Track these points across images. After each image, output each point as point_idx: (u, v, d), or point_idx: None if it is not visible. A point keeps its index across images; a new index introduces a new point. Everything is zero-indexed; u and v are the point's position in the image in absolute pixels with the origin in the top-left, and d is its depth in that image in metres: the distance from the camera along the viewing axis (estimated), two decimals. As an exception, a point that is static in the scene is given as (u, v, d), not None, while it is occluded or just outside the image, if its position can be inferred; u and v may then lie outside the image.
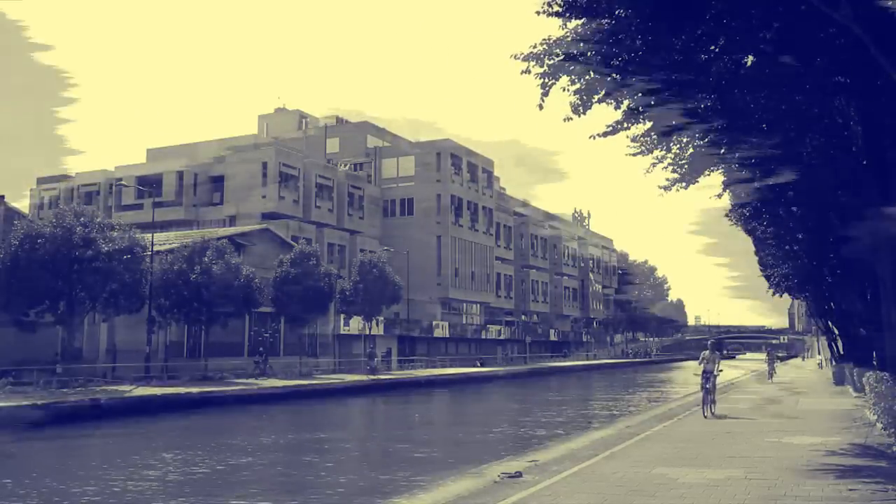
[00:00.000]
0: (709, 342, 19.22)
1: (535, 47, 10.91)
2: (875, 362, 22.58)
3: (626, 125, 12.12)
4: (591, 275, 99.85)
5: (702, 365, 18.20)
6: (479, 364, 58.68)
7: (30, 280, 27.88)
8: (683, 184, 14.01)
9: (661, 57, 10.61)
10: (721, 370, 18.65)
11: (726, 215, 23.02)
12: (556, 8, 10.53)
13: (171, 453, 16.40)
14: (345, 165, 66.30)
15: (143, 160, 64.85)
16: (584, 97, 11.27)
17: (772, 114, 12.07)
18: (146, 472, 14.05)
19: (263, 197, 54.40)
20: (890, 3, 8.77)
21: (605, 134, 12.31)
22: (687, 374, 53.42)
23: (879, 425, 13.79)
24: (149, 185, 52.97)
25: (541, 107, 11.37)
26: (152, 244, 33.53)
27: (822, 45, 10.54)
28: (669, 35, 10.42)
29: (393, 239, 61.62)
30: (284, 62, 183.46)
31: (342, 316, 47.18)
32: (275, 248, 43.36)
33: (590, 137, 12.71)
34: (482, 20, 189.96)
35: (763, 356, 56.85)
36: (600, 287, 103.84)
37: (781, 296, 40.45)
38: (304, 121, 75.47)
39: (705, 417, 17.22)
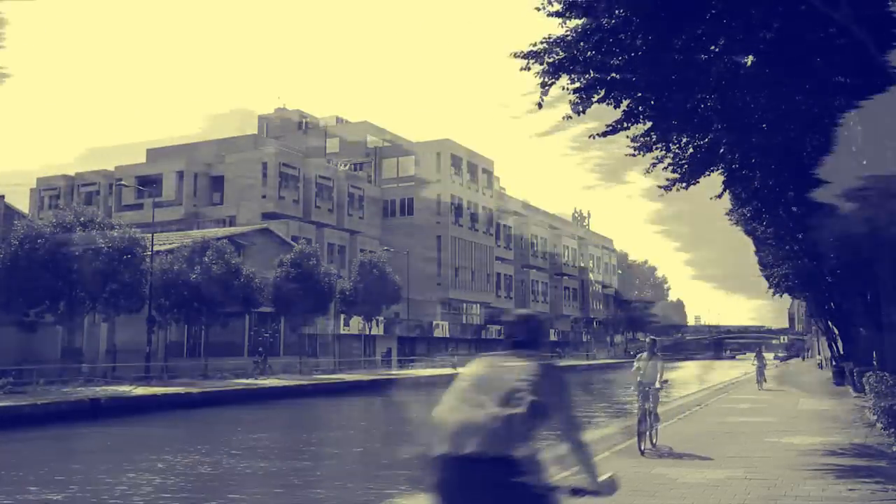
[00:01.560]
0: (647, 341, 12.88)
1: (535, 45, 10.92)
2: (875, 362, 22.59)
3: (625, 125, 12.12)
4: (590, 275, 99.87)
5: (637, 375, 12.08)
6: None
7: (30, 280, 27.90)
8: (684, 184, 14.01)
9: (661, 57, 10.61)
10: (666, 381, 12.51)
11: (726, 215, 23.02)
12: (555, 7, 10.55)
13: (165, 455, 16.38)
14: (345, 165, 66.31)
15: (143, 160, 64.87)
16: (584, 96, 11.28)
17: (772, 114, 12.07)
18: (137, 473, 14.01)
19: (263, 197, 54.44)
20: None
21: (604, 133, 12.32)
22: (684, 374, 53.30)
23: (879, 425, 13.79)
24: (149, 185, 53.01)
25: (540, 105, 11.39)
26: (152, 244, 33.55)
27: (822, 45, 10.54)
28: (669, 35, 10.43)
29: (393, 239, 61.64)
30: (285, 62, 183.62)
31: (342, 316, 47.22)
32: (275, 248, 43.37)
33: (590, 137, 12.73)
34: (477, 24, 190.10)
35: (769, 356, 55.03)
36: (600, 287, 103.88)
37: (781, 296, 40.53)
38: (304, 121, 75.48)
39: (641, 453, 11.38)
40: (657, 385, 11.88)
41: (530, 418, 3.05)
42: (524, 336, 3.49)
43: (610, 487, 3.25)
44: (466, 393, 3.22)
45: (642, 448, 11.59)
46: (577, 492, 3.25)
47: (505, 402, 3.05)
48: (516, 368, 3.21)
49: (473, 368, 3.39)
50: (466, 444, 2.99)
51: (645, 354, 12.26)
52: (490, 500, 2.98)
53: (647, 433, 11.91)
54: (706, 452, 11.59)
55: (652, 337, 13.24)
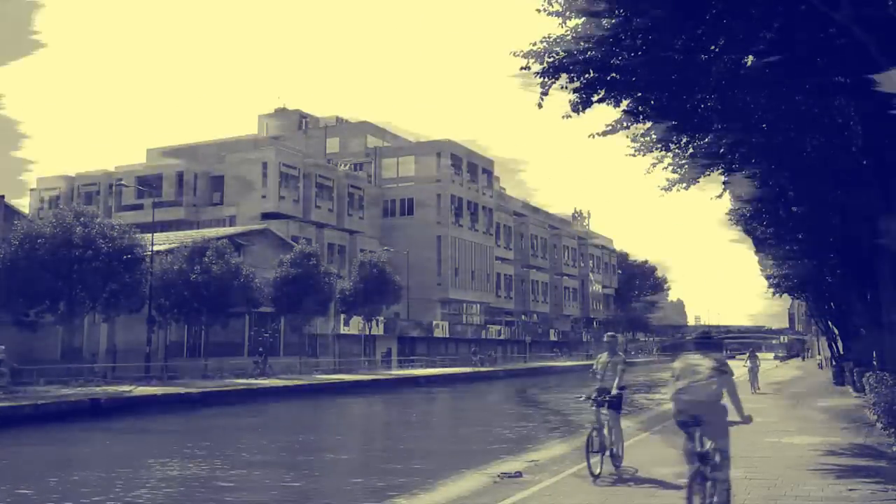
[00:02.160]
0: (606, 338, 10.41)
1: (534, 45, 10.90)
2: (875, 362, 22.55)
3: (625, 125, 12.11)
4: (591, 275, 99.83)
5: (597, 379, 9.86)
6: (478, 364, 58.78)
7: (30, 280, 27.89)
8: (684, 184, 13.99)
9: (661, 57, 10.59)
10: (624, 387, 9.85)
11: (726, 214, 23.00)
12: (555, 7, 10.53)
13: (162, 456, 16.35)
14: (345, 165, 66.30)
15: (143, 160, 64.86)
16: (584, 96, 11.26)
17: (772, 114, 12.06)
18: (134, 476, 13.98)
19: (263, 197, 54.43)
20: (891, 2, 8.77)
21: (604, 133, 12.30)
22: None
23: (879, 425, 13.78)
24: (149, 185, 53.04)
25: (540, 105, 11.36)
26: (152, 244, 33.54)
27: (822, 45, 10.53)
28: (669, 35, 10.41)
29: (393, 239, 61.64)
30: (285, 62, 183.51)
31: (342, 316, 47.20)
32: (275, 248, 43.37)
33: (589, 136, 12.71)
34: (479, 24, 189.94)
35: (769, 356, 53.97)
36: (600, 287, 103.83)
37: (781, 296, 40.51)
38: (304, 121, 75.46)
39: (594, 477, 9.30)
40: (614, 390, 9.57)
41: (717, 379, 6.48)
42: (705, 343, 7.00)
43: (748, 419, 6.79)
44: (683, 373, 6.61)
45: (594, 471, 9.36)
46: (730, 423, 6.63)
47: (707, 375, 6.49)
48: (706, 361, 6.62)
49: (681, 362, 6.74)
50: (693, 397, 6.46)
51: (604, 356, 9.91)
52: (709, 418, 6.45)
53: (603, 451, 9.55)
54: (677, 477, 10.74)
55: (612, 333, 10.63)
